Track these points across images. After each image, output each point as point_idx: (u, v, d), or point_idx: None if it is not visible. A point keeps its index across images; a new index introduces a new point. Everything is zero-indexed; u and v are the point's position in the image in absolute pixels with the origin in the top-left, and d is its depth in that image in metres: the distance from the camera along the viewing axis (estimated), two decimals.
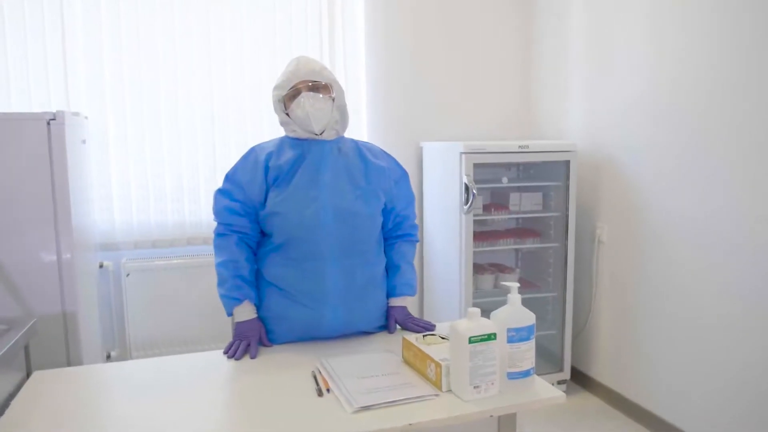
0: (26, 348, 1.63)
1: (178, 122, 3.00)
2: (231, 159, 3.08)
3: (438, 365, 1.41)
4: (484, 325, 1.36)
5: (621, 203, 2.93)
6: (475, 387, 1.35)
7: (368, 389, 1.40)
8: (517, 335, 1.37)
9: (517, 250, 3.46)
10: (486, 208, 3.19)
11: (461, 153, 2.87)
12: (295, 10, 3.13)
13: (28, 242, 2.00)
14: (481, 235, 3.15)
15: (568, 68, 3.24)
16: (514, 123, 3.57)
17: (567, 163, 3.03)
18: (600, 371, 3.09)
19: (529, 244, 3.24)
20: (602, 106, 3.01)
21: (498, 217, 3.24)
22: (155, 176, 2.99)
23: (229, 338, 2.99)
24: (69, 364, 2.07)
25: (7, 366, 1.44)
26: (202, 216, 3.07)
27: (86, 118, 2.65)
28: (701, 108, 2.44)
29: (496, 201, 3.27)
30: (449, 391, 1.40)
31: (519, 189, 3.23)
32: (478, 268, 3.20)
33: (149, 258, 3.01)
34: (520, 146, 2.95)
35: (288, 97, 1.72)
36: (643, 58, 2.72)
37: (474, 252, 2.98)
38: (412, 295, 1.85)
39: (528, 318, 1.40)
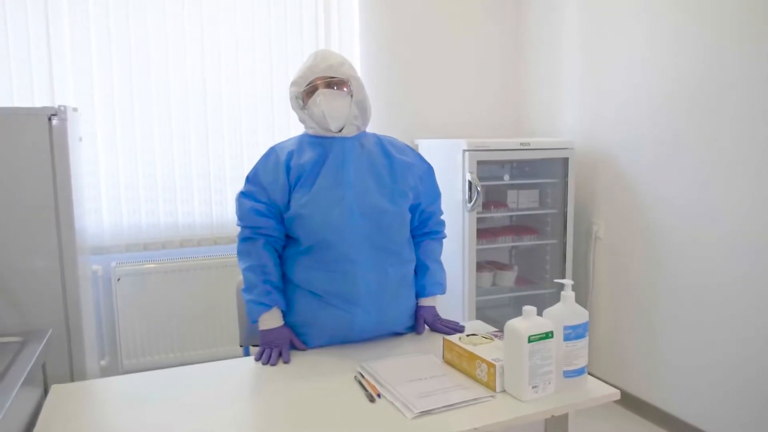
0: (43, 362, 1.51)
1: (171, 119, 2.87)
2: (225, 157, 3.00)
3: (491, 365, 1.38)
4: (541, 324, 1.33)
5: (617, 199, 2.97)
6: (533, 387, 1.32)
7: (421, 393, 1.35)
8: (573, 333, 1.36)
9: (513, 248, 3.47)
10: (484, 206, 3.18)
11: (464, 150, 2.85)
12: (290, 6, 3.04)
13: (29, 246, 1.86)
14: (479, 232, 3.13)
15: (562, 65, 3.26)
16: (506, 120, 3.58)
17: (565, 160, 3.05)
18: (598, 366, 3.12)
19: (527, 241, 3.25)
20: (597, 102, 3.04)
21: (498, 215, 3.24)
22: (146, 175, 2.85)
23: (228, 342, 2.93)
24: (72, 374, 1.94)
25: (29, 382, 1.33)
26: (196, 217, 2.95)
27: (80, 114, 2.50)
28: (697, 104, 2.49)
29: (493, 198, 3.27)
30: (503, 391, 1.37)
31: (515, 186, 3.23)
32: (476, 266, 3.18)
33: (140, 261, 2.88)
34: (521, 143, 2.95)
35: (305, 94, 1.67)
36: (638, 55, 2.76)
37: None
38: (442, 294, 1.82)
39: (582, 315, 1.38)
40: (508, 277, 3.27)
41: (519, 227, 3.32)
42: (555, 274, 3.21)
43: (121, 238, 2.82)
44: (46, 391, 1.51)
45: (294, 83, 1.69)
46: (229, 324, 2.93)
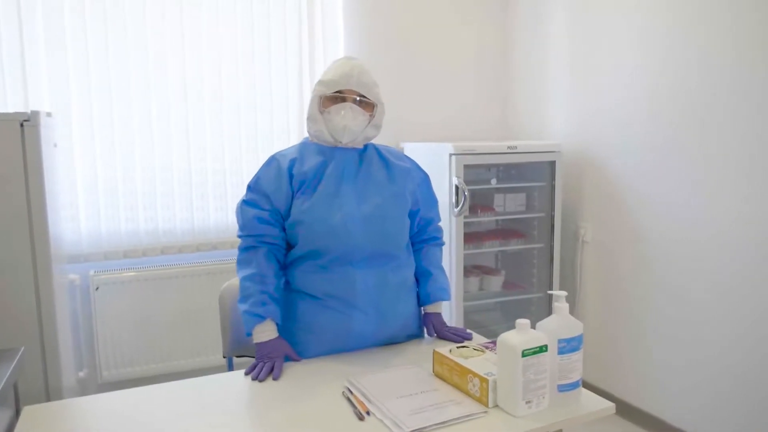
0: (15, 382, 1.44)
1: (151, 123, 2.79)
2: (206, 162, 2.92)
3: (483, 380, 1.34)
4: (536, 338, 1.29)
5: (604, 203, 2.95)
6: (527, 402, 1.29)
7: (412, 410, 1.31)
8: (567, 346, 1.32)
9: (500, 252, 3.45)
10: (471, 210, 3.14)
11: (451, 154, 2.82)
12: (273, 9, 2.98)
13: (1, 257, 1.78)
14: (465, 236, 3.10)
15: (550, 68, 3.24)
16: (494, 123, 3.55)
17: (552, 163, 3.03)
18: (587, 371, 3.06)
19: (514, 245, 3.22)
20: (584, 105, 3.03)
21: (485, 219, 3.20)
22: (125, 181, 2.77)
23: (211, 352, 2.86)
24: (48, 391, 1.87)
25: None
26: (177, 223, 2.88)
27: (55, 118, 2.42)
28: (686, 107, 2.48)
29: (480, 202, 3.24)
30: (496, 406, 1.33)
31: (502, 190, 3.21)
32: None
33: (120, 270, 2.79)
34: (509, 147, 2.92)
35: (330, 99, 1.66)
36: (627, 58, 2.74)
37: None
38: (447, 299, 1.81)
39: (577, 327, 1.34)
40: (496, 282, 3.24)
41: (506, 231, 3.30)
42: (542, 278, 3.19)
43: (100, 245, 2.74)
44: (18, 412, 1.44)
45: (323, 83, 1.67)
46: (213, 333, 2.86)
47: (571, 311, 3.10)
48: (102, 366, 2.77)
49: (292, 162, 1.67)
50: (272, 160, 1.70)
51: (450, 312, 2.91)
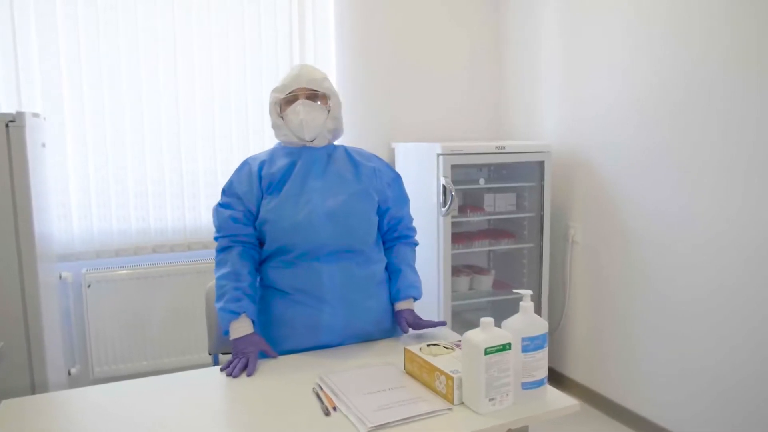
0: None
1: (143, 123, 2.83)
2: (198, 162, 2.96)
3: (449, 378, 1.36)
4: (499, 335, 1.31)
5: (594, 203, 2.96)
6: (490, 399, 1.30)
7: (378, 406, 1.33)
8: (531, 344, 1.34)
9: (490, 251, 3.46)
10: (461, 210, 3.17)
11: (438, 154, 2.83)
12: (264, 10, 3.01)
13: None
14: (456, 236, 3.13)
15: (541, 68, 3.25)
16: (484, 123, 3.57)
17: (541, 163, 3.04)
18: (575, 370, 3.12)
19: (504, 245, 3.23)
20: (576, 106, 3.04)
21: (475, 219, 3.22)
22: (117, 181, 2.81)
23: (203, 349, 2.89)
24: (33, 386, 1.90)
25: None
26: (168, 222, 2.91)
27: (44, 119, 2.46)
28: (677, 109, 2.48)
29: (470, 202, 3.26)
30: (461, 404, 1.35)
31: (492, 190, 3.22)
32: (452, 270, 3.17)
33: (111, 268, 2.84)
34: (497, 147, 2.94)
35: (285, 102, 1.74)
36: (619, 59, 2.75)
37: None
38: (418, 297, 1.82)
39: (541, 326, 1.37)
40: (486, 281, 3.26)
41: (496, 231, 3.31)
42: (532, 278, 3.20)
43: (92, 244, 2.78)
44: None
45: (276, 90, 1.77)
46: (204, 331, 2.91)
47: (560, 311, 3.15)
48: (94, 362, 2.81)
49: (262, 164, 1.74)
50: (244, 165, 1.77)
51: (438, 311, 2.93)
